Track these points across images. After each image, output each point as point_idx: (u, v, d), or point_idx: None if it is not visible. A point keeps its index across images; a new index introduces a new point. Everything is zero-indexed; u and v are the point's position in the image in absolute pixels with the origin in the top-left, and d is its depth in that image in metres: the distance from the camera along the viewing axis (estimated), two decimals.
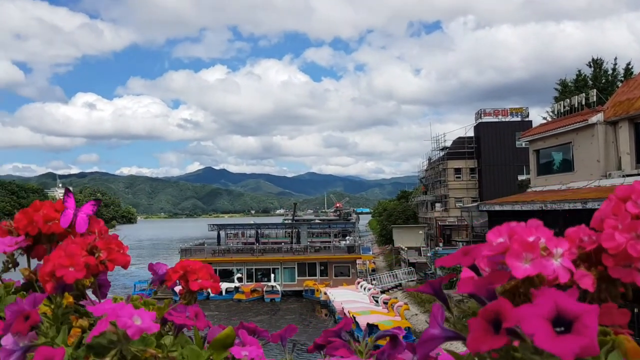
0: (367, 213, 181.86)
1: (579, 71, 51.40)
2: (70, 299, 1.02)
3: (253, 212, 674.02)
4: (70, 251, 0.90)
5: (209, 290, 1.04)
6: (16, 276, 1.17)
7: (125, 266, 0.96)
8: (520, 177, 54.59)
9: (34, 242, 1.11)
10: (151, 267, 1.21)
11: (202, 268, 0.96)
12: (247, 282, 48.17)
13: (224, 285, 44.79)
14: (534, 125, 49.77)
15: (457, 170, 61.53)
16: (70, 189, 1.26)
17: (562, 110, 32.19)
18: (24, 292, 1.08)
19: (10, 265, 1.10)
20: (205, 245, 54.80)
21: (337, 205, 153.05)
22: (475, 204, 40.22)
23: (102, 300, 1.04)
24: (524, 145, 44.14)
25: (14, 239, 1.08)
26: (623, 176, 24.79)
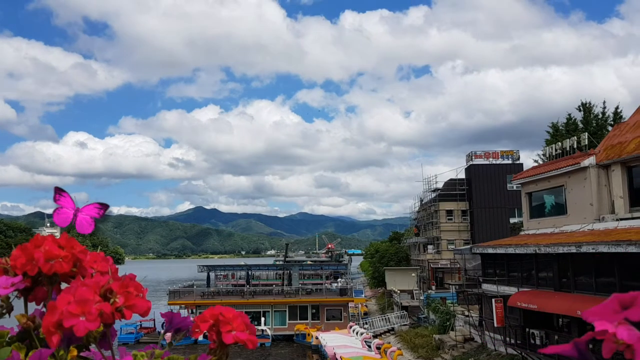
0: (358, 254, 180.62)
1: (569, 115, 52.19)
2: (75, 352, 0.86)
3: (243, 252, 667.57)
4: (81, 296, 0.74)
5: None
6: (10, 322, 1.01)
7: (145, 314, 0.80)
8: (512, 220, 54.62)
9: (33, 284, 0.95)
10: (165, 316, 1.06)
11: (237, 317, 0.80)
12: None
13: None
14: (524, 168, 50.14)
15: (449, 212, 61.57)
16: (63, 188, 1.14)
17: (553, 154, 32.47)
18: (20, 343, 0.92)
19: (4, 311, 0.94)
20: (194, 287, 53.81)
21: (329, 246, 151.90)
22: (468, 246, 39.97)
23: (112, 353, 0.88)
24: (515, 187, 44.26)
25: (10, 279, 0.92)
26: (617, 220, 24.78)
